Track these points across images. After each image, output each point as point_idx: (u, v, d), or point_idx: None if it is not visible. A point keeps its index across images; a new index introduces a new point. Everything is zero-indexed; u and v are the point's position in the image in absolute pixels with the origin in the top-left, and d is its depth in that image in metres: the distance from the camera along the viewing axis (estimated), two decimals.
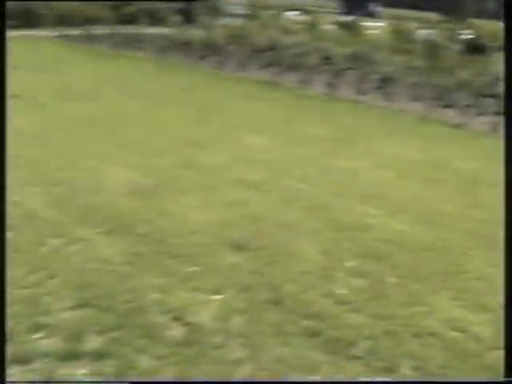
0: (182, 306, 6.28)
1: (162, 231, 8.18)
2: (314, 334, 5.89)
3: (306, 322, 6.09)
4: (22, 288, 6.47)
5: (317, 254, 7.84)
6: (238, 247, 7.75)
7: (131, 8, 59.58)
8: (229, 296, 6.57)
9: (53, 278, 6.75)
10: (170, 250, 7.58)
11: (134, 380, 5.64)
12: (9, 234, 7.77)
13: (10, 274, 6.68)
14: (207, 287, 6.74)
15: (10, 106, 16.02)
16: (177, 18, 50.87)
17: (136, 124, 15.18)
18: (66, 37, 42.52)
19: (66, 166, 11.07)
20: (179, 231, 8.23)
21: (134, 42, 36.66)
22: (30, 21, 52.49)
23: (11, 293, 6.30)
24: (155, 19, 51.73)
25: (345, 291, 6.83)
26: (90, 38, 40.24)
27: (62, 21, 53.62)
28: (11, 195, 9.25)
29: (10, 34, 32.61)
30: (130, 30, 41.19)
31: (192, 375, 5.18)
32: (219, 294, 6.62)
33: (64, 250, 7.45)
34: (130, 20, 52.35)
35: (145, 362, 5.33)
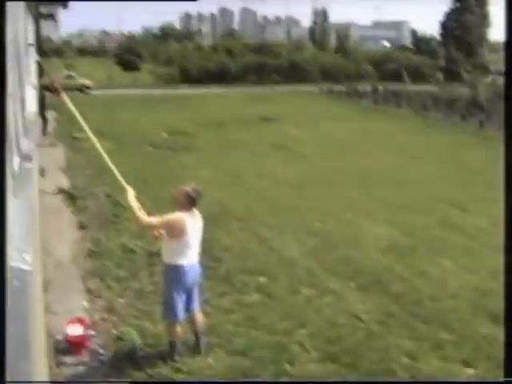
0: (431, 375, 5.87)
1: (417, 292, 7.80)
2: None
3: None
4: (272, 334, 6.55)
5: None
6: (495, 318, 7.08)
7: (393, 65, 60.44)
8: (481, 371, 6.00)
9: (303, 327, 6.75)
10: (423, 314, 7.18)
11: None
12: (262, 279, 8.03)
13: (264, 318, 6.85)
14: (459, 357, 6.23)
15: (274, 155, 16.85)
16: (440, 75, 50.29)
17: (395, 180, 15.00)
18: (331, 92, 44.16)
19: (324, 217, 11.21)
20: (435, 295, 7.78)
21: (396, 99, 36.86)
22: (296, 77, 55.59)
23: (260, 338, 6.42)
24: (418, 76, 51.62)
25: None
26: (354, 94, 41.33)
27: (327, 76, 56.12)
28: (269, 242, 9.61)
29: (278, 89, 34.62)
30: (392, 86, 41.53)
31: None
32: (471, 366, 6.09)
33: (316, 301, 7.44)
34: (393, 77, 53.03)
35: None
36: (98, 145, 6.57)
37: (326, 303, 7.40)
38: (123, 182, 6.28)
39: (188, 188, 5.81)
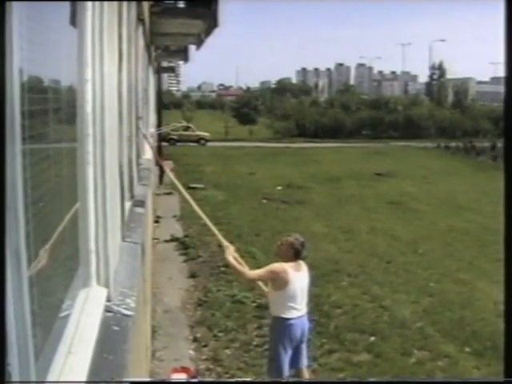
0: None
1: None
2: None
3: None
4: None
5: None
6: None
7: None
8: None
9: None
10: None
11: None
12: (373, 338, 7.72)
13: (372, 379, 6.56)
14: None
15: (388, 211, 16.49)
16: None
17: None
18: (447, 148, 43.16)
19: (438, 276, 10.75)
20: None
21: None
22: (411, 132, 54.81)
23: None
24: None
25: None
26: (471, 150, 40.18)
27: (444, 132, 54.94)
28: (381, 300, 9.30)
29: (393, 144, 34.31)
30: None
31: None
32: None
33: (428, 365, 7.05)
34: None
35: None
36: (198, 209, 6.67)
37: (439, 367, 7.01)
38: (222, 239, 6.31)
39: (291, 239, 5.73)
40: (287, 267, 5.62)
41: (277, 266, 5.67)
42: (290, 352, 5.71)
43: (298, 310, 5.68)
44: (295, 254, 5.68)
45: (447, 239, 14.03)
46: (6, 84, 1.41)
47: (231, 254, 5.98)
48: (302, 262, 5.76)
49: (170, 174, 7.19)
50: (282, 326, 5.65)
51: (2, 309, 1.38)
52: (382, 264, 11.49)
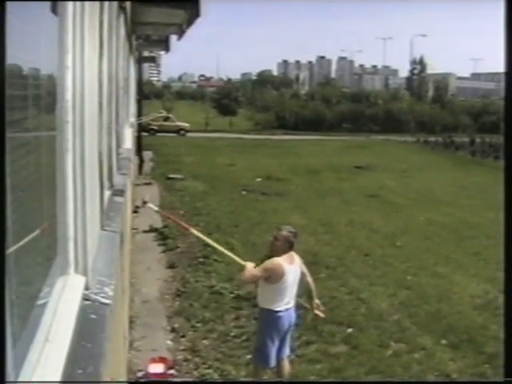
0: None
1: None
2: None
3: None
4: None
5: None
6: None
7: (491, 117, 58.88)
8: None
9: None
10: None
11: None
12: (349, 330, 7.77)
13: (349, 371, 6.61)
14: None
15: (367, 204, 16.60)
16: None
17: (489, 234, 14.38)
18: (427, 142, 43.43)
19: (415, 270, 10.83)
20: None
21: (494, 151, 35.86)
22: (391, 126, 55.11)
23: None
24: None
25: None
26: (451, 145, 40.50)
27: (423, 127, 55.30)
28: (359, 292, 9.35)
29: (373, 138, 34.53)
30: (490, 138, 40.47)
31: None
32: None
33: (405, 357, 7.10)
34: (491, 128, 51.60)
35: None
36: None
37: (416, 359, 7.06)
38: (239, 260, 6.26)
39: (285, 233, 5.73)
40: (282, 262, 5.66)
41: (274, 263, 5.68)
42: (277, 342, 5.75)
43: (287, 303, 5.71)
44: (290, 247, 5.72)
45: (425, 233, 14.13)
46: None
47: (250, 271, 5.91)
48: (293, 253, 5.79)
49: (198, 233, 7.02)
50: (271, 318, 5.68)
51: (1, 307, 1.37)
52: (360, 256, 11.56)
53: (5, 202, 1.41)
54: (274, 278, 5.65)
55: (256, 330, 6.01)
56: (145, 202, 8.14)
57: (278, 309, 5.67)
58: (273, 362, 5.81)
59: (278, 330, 5.71)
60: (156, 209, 8.24)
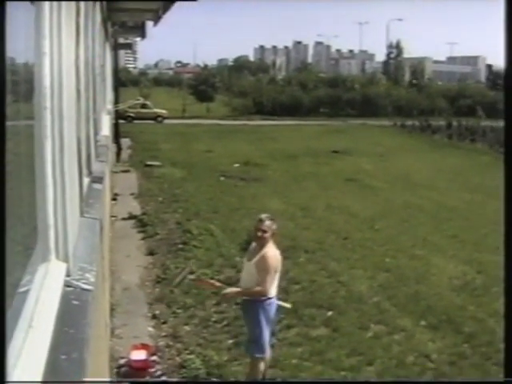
0: None
1: (491, 334, 7.43)
2: None
3: None
4: (338, 370, 6.37)
5: None
6: None
7: (467, 101, 59.34)
8: None
9: (370, 364, 6.53)
10: (497, 356, 6.82)
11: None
12: (330, 313, 7.84)
13: (330, 353, 6.67)
14: None
15: (345, 188, 16.65)
16: None
17: (467, 216, 14.56)
18: (404, 126, 43.68)
19: (394, 252, 10.93)
20: None
21: (470, 134, 36.21)
22: (369, 110, 55.29)
23: (325, 373, 6.24)
24: (493, 111, 50.45)
25: None
26: (427, 129, 40.74)
27: (400, 111, 55.55)
28: (338, 275, 9.42)
29: (351, 122, 34.70)
30: (467, 121, 40.78)
31: None
32: None
33: (385, 339, 7.19)
34: (467, 112, 51.99)
35: None
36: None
37: (395, 341, 7.16)
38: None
39: (270, 222, 5.70)
40: (278, 254, 5.74)
41: (277, 257, 5.73)
42: (269, 330, 5.76)
43: (275, 291, 5.76)
44: (273, 234, 5.73)
45: (403, 215, 14.24)
46: None
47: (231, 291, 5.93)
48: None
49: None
50: (265, 306, 5.66)
51: (1, 307, 1.37)
52: (339, 240, 11.63)
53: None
54: (278, 268, 5.70)
55: (248, 322, 5.89)
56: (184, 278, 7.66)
57: (271, 295, 5.69)
58: (268, 351, 5.81)
59: (271, 317, 5.73)
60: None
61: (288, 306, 6.43)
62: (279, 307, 6.05)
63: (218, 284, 6.27)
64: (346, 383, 5.52)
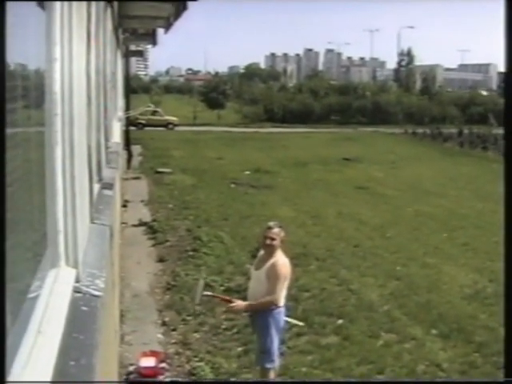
0: None
1: (502, 343, 7.35)
2: None
3: None
4: (348, 378, 6.32)
5: None
6: None
7: (479, 108, 59.12)
8: None
9: (380, 373, 6.49)
10: None
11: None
12: (340, 321, 7.80)
13: (340, 361, 6.63)
14: None
15: (355, 196, 16.56)
16: None
17: (478, 225, 14.48)
18: (415, 134, 43.56)
19: (405, 260, 10.89)
20: None
21: (482, 142, 36.08)
22: (379, 118, 55.19)
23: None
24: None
25: None
26: (439, 136, 40.61)
27: (411, 118, 55.42)
28: (349, 283, 9.38)
29: (361, 130, 34.62)
30: (478, 129, 40.59)
31: None
32: None
33: (396, 347, 7.14)
34: (479, 119, 51.81)
35: None
36: None
37: (406, 349, 7.11)
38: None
39: (278, 229, 5.67)
40: (288, 262, 5.69)
41: (286, 265, 5.67)
42: (278, 339, 5.71)
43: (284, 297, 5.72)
44: (282, 241, 5.71)
45: (414, 224, 14.19)
46: None
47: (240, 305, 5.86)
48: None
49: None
50: (276, 314, 5.62)
51: (1, 307, 1.37)
52: (349, 248, 11.59)
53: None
54: (288, 277, 5.67)
55: (258, 332, 5.80)
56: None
57: (281, 304, 5.65)
58: (277, 360, 5.76)
59: (280, 325, 5.69)
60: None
61: (301, 324, 6.40)
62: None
63: (233, 302, 6.12)
64: (346, 383, 5.48)
